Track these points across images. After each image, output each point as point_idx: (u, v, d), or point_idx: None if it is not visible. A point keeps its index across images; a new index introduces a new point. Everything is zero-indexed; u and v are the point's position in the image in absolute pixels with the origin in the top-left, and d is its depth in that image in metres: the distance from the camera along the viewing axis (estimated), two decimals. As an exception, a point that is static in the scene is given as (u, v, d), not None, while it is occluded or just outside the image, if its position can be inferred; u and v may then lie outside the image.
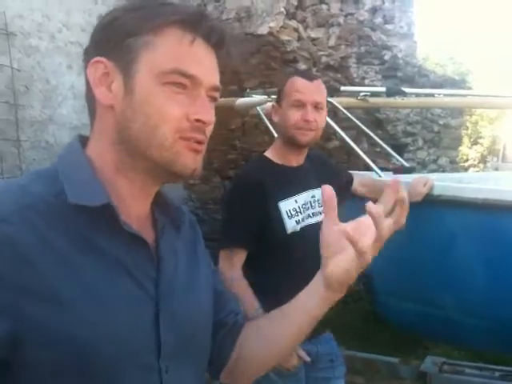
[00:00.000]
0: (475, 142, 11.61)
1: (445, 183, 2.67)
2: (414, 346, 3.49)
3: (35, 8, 3.71)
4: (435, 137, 4.79)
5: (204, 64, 0.80)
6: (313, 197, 2.06)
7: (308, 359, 1.93)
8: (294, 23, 5.49)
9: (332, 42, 5.39)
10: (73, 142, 0.81)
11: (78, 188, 0.73)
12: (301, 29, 5.50)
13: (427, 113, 4.83)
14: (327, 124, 3.37)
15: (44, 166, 0.79)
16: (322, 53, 5.29)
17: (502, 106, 4.07)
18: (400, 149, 4.70)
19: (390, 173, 3.35)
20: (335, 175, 2.26)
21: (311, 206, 2.04)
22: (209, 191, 5.69)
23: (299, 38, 5.45)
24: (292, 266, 1.94)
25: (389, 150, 3.72)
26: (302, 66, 5.20)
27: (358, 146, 3.98)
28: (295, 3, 5.58)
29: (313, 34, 5.56)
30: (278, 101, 2.01)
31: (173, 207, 0.90)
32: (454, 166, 4.84)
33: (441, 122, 4.78)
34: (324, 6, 5.55)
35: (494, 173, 5.60)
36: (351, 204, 2.43)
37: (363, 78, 5.01)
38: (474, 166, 10.74)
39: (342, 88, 4.01)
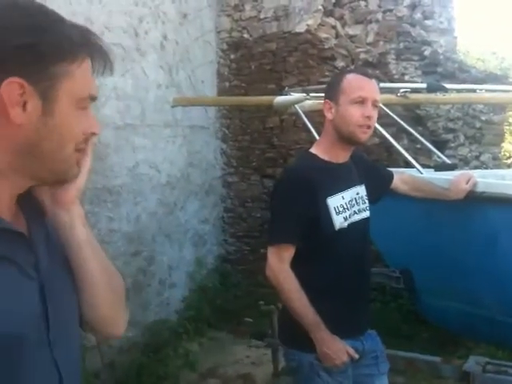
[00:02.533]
0: (518, 139, 11.26)
1: (488, 180, 2.63)
2: (455, 345, 3.45)
3: (78, 12, 3.81)
4: (477, 133, 4.69)
5: (95, 83, 0.92)
6: (357, 194, 2.07)
7: (357, 356, 1.95)
8: (331, 20, 5.47)
9: (370, 39, 5.33)
10: None
11: None
12: (338, 26, 5.47)
13: (469, 109, 4.73)
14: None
15: None
16: (360, 50, 5.25)
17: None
18: (441, 145, 4.62)
19: (432, 170, 3.31)
20: (373, 173, 2.27)
21: (356, 203, 2.05)
22: (247, 189, 5.72)
23: (337, 36, 5.43)
24: (339, 262, 1.97)
25: (430, 146, 3.68)
26: (340, 64, 5.18)
27: (398, 143, 3.95)
28: (333, 0, 5.55)
29: (351, 31, 5.52)
30: (331, 98, 1.99)
31: (32, 195, 0.99)
32: (497, 162, 4.72)
33: (483, 118, 4.68)
34: (362, 3, 5.50)
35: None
36: (391, 201, 2.43)
37: (403, 75, 4.94)
38: (518, 162, 10.42)
39: (381, 85, 3.91)
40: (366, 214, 2.10)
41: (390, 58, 5.09)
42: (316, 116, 3.67)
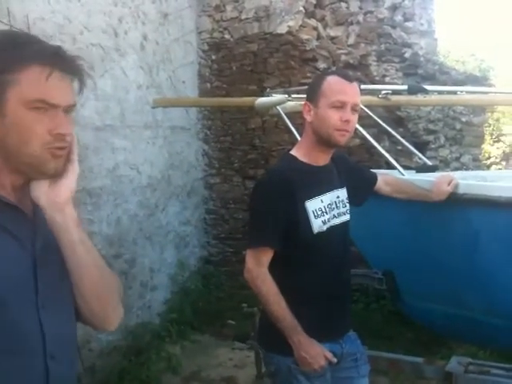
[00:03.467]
0: (497, 140, 11.43)
1: (469, 182, 2.64)
2: (437, 345, 3.47)
3: (56, 10, 3.75)
4: (457, 134, 4.73)
5: (60, 91, 1.04)
6: (337, 197, 2.05)
7: (335, 360, 1.94)
8: (313, 22, 5.48)
9: (351, 41, 5.36)
10: None
11: None
12: (320, 27, 5.48)
13: (449, 110, 4.78)
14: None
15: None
16: (341, 51, 5.26)
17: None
18: (422, 147, 4.65)
19: (413, 171, 3.32)
20: (357, 175, 2.26)
21: (336, 207, 2.03)
22: (229, 191, 5.70)
23: (318, 37, 5.44)
24: (317, 266, 1.96)
25: (411, 148, 3.69)
26: (322, 65, 5.18)
27: (379, 144, 3.96)
28: (314, 2, 5.57)
29: (332, 33, 5.54)
30: (311, 100, 1.97)
31: None
32: (477, 163, 4.77)
33: (463, 120, 4.72)
34: (343, 4, 5.53)
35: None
36: (374, 203, 2.42)
37: (384, 76, 4.97)
38: (497, 163, 10.59)
39: (363, 86, 3.92)
40: (346, 217, 2.08)
41: (371, 59, 5.11)
42: (298, 117, 3.66)
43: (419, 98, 3.50)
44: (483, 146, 10.22)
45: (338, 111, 1.88)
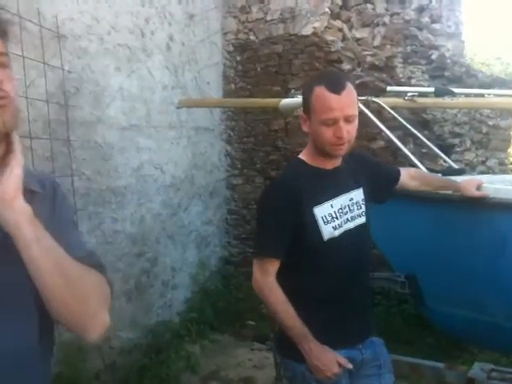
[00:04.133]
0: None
1: (497, 185, 2.60)
2: (459, 351, 3.42)
3: (85, 11, 3.81)
4: (484, 138, 4.66)
5: None
6: (351, 199, 1.97)
7: (350, 366, 1.87)
8: (338, 23, 5.46)
9: (377, 42, 5.32)
10: None
11: None
12: (345, 29, 5.46)
13: (476, 113, 4.71)
14: (372, 124, 3.35)
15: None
16: (366, 53, 5.23)
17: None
18: (447, 150, 4.59)
19: (439, 175, 3.28)
20: (376, 171, 2.15)
21: (349, 210, 1.96)
22: (252, 192, 5.71)
23: (344, 38, 5.41)
24: (330, 272, 1.90)
25: (437, 150, 3.65)
26: (347, 67, 5.16)
27: (404, 146, 3.92)
28: (340, 3, 5.55)
29: (358, 34, 5.51)
30: (305, 111, 1.89)
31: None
32: (503, 167, 4.69)
33: (490, 123, 4.65)
34: (369, 6, 5.49)
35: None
36: (397, 204, 2.40)
37: (409, 78, 4.92)
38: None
39: (389, 88, 3.96)
40: (361, 220, 1.99)
41: (397, 61, 5.07)
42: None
43: (446, 100, 3.46)
44: (510, 150, 10.03)
45: (329, 128, 1.81)
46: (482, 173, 4.47)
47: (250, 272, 2.00)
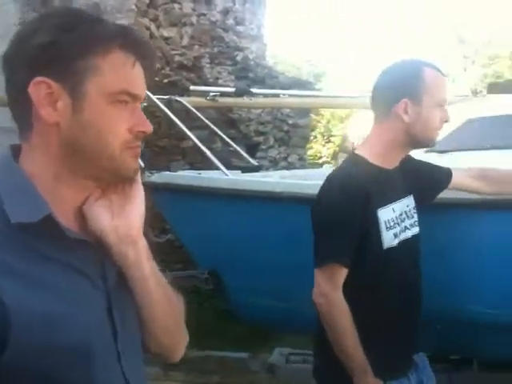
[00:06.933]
0: (328, 140, 12.31)
1: (287, 180, 2.78)
2: (265, 339, 3.59)
3: None
4: (285, 136, 4.99)
5: (140, 81, 0.88)
6: (407, 206, 1.76)
7: None
8: (145, 21, 5.39)
9: (185, 42, 5.37)
10: (6, 156, 0.86)
11: (19, 206, 0.79)
12: (153, 27, 5.41)
13: (278, 113, 5.01)
14: (177, 124, 3.36)
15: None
16: (175, 52, 5.26)
17: (343, 105, 4.35)
18: (253, 147, 4.82)
19: (239, 172, 3.41)
20: (424, 174, 1.90)
21: (407, 217, 1.74)
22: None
23: (151, 37, 5.36)
24: (389, 290, 1.67)
25: (237, 148, 3.80)
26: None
27: (212, 145, 4.01)
28: (147, 1, 5.48)
29: (165, 33, 5.50)
30: (407, 96, 1.65)
31: None
32: (303, 163, 5.07)
33: (290, 122, 4.98)
34: (176, 5, 5.52)
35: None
36: (195, 201, 2.42)
37: (217, 79, 5.06)
38: (328, 162, 11.39)
39: (192, 87, 4.01)
40: (417, 229, 1.76)
41: (205, 61, 5.18)
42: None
43: (246, 100, 3.62)
44: (311, 146, 10.90)
45: (440, 110, 1.67)
46: (284, 168, 4.77)
47: None
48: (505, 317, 2.35)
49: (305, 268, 2.68)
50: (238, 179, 2.84)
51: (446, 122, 1.70)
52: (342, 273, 1.61)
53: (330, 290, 1.60)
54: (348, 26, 48.19)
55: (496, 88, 3.35)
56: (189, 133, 3.19)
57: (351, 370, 1.58)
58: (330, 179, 1.74)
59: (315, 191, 2.45)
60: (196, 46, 5.26)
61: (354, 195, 1.60)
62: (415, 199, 1.79)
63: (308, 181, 3.06)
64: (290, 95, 3.83)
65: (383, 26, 49.31)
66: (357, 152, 1.75)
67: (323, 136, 12.32)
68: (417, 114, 1.65)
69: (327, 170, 4.61)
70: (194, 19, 5.41)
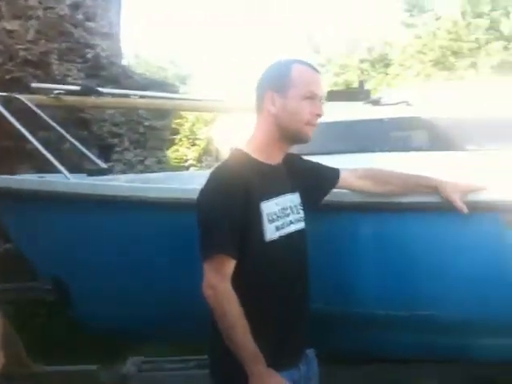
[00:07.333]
0: (193, 143, 12.30)
1: (131, 184, 2.68)
2: (120, 350, 3.43)
3: None
4: (141, 138, 4.86)
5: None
6: (292, 201, 1.81)
7: None
8: (-15, 12, 4.95)
9: (31, 36, 5.02)
10: None
11: None
12: (-6, 19, 4.99)
13: (133, 114, 4.86)
14: (24, 122, 3.10)
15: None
16: (19, 46, 4.90)
17: (197, 109, 4.34)
18: (108, 149, 4.63)
19: (84, 175, 3.23)
20: (311, 175, 1.96)
21: (292, 212, 1.79)
22: None
23: (-8, 29, 4.94)
24: (271, 281, 1.70)
25: (84, 150, 3.61)
26: (-3, 60, 4.72)
27: (62, 146, 3.78)
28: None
29: (9, 26, 5.10)
30: (274, 88, 1.73)
31: None
32: (162, 165, 4.97)
33: (146, 124, 4.87)
34: (21, -4, 5.14)
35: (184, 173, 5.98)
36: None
37: (66, 76, 4.79)
38: (194, 165, 11.38)
39: (33, 84, 3.74)
40: (301, 225, 1.83)
41: (53, 57, 4.88)
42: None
43: (92, 99, 3.44)
44: (177, 148, 10.84)
45: (309, 104, 1.72)
46: (141, 172, 4.64)
47: None
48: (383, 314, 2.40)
49: (150, 272, 2.61)
50: (78, 182, 2.68)
51: (319, 115, 1.77)
52: (230, 264, 1.64)
53: (217, 281, 1.62)
54: (213, 27, 48.91)
55: (334, 96, 3.54)
56: (26, 133, 2.96)
57: (243, 360, 1.60)
58: (213, 173, 1.79)
59: (156, 194, 2.39)
60: (43, 41, 4.94)
61: (233, 188, 1.65)
62: (302, 197, 1.87)
63: (151, 184, 2.98)
64: (141, 96, 3.72)
65: (243, 31, 50.85)
66: (240, 148, 1.81)
67: (188, 139, 12.29)
68: (283, 105, 1.73)
69: (173, 173, 4.56)
70: (40, 12, 5.07)
